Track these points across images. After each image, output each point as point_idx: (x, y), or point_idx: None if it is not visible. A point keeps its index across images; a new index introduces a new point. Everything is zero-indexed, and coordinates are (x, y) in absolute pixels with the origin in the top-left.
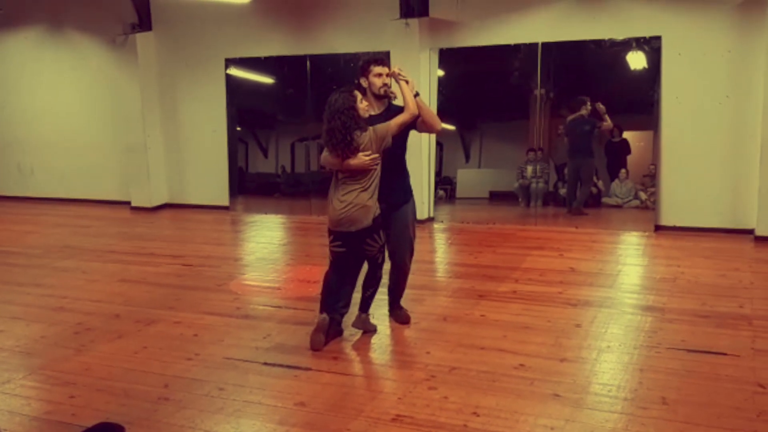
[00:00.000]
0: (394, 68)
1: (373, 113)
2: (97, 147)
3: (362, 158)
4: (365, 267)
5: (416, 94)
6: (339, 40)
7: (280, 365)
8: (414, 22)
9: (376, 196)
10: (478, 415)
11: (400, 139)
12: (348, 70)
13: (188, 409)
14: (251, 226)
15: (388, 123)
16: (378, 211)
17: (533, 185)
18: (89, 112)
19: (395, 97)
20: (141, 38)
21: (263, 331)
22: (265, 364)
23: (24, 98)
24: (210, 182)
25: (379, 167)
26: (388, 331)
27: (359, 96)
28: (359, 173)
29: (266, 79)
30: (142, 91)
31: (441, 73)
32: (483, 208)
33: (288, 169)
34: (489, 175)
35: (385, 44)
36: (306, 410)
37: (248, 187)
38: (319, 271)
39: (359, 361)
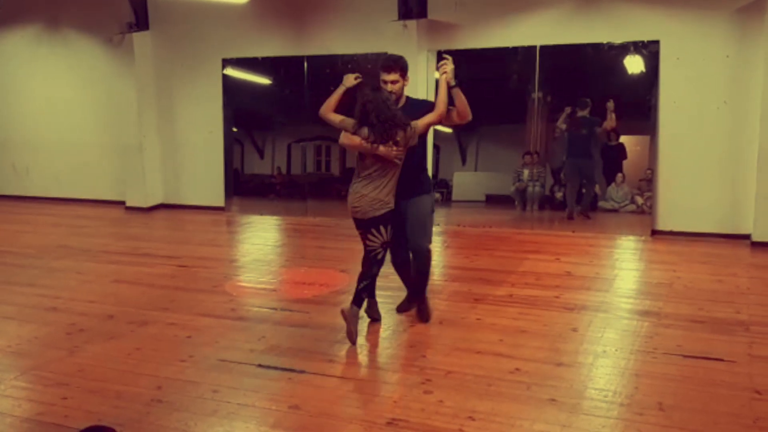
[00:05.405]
0: (442, 63)
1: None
2: (92, 147)
3: (391, 149)
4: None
5: (454, 86)
6: (337, 41)
7: (275, 368)
8: (412, 23)
9: (393, 193)
10: (473, 420)
11: (421, 136)
12: (345, 72)
13: (181, 412)
14: (246, 228)
15: (417, 123)
16: (392, 206)
17: (530, 189)
18: (85, 112)
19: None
20: (138, 38)
21: (258, 333)
22: (260, 366)
23: (19, 97)
24: (205, 183)
25: (400, 165)
26: (384, 334)
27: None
28: (382, 167)
29: (263, 80)
30: (139, 90)
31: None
32: (479, 212)
33: (284, 171)
34: (485, 179)
35: (383, 46)
36: (300, 413)
37: (244, 188)
38: (315, 272)
39: (354, 364)
